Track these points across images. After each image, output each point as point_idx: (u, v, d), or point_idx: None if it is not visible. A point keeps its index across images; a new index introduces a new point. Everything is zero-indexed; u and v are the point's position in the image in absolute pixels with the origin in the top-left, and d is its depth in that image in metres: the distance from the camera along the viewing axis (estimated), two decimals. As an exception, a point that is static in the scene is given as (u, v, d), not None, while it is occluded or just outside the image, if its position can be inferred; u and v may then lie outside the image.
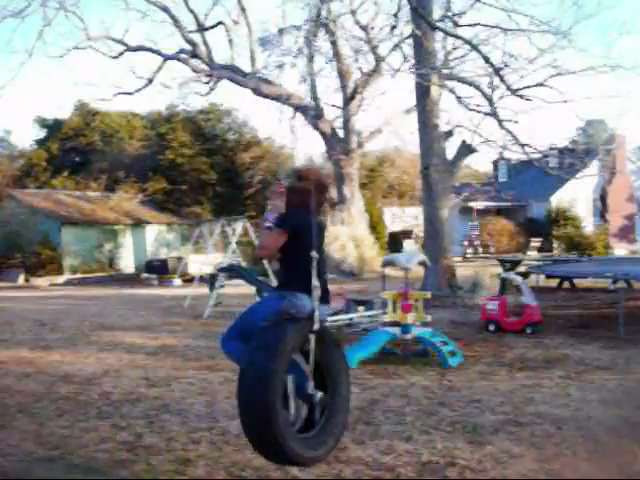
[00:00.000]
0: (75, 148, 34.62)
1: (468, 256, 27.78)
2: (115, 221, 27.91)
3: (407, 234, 28.82)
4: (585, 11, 30.73)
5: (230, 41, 22.38)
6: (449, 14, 13.39)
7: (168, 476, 3.85)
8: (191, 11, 21.80)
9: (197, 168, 32.49)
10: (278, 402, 3.26)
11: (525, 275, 12.35)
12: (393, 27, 17.44)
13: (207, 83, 22.49)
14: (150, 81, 22.37)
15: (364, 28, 19.98)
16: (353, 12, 20.02)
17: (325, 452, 3.56)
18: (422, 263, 8.88)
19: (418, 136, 14.20)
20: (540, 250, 27.86)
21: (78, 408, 5.44)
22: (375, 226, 25.46)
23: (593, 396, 5.49)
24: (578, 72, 13.12)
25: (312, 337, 3.50)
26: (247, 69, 22.30)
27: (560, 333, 8.89)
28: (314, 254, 3.44)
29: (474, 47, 12.95)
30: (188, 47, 22.21)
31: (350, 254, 21.17)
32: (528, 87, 13.25)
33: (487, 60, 12.81)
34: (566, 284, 15.00)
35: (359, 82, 21.93)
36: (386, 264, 8.65)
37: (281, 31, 21.58)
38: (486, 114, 13.48)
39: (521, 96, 13.01)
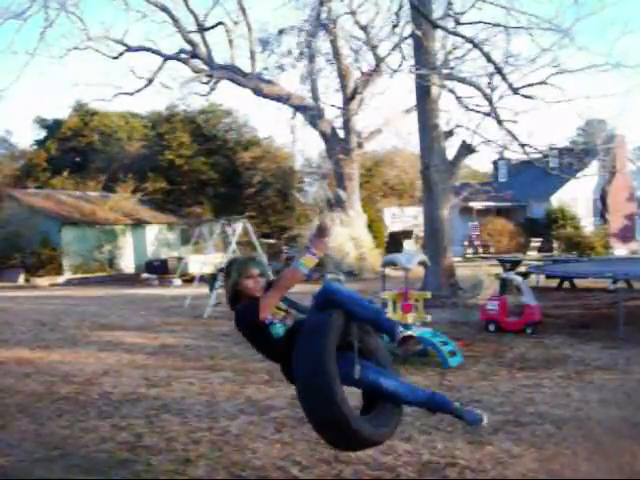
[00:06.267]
0: (75, 148, 34.58)
1: (468, 256, 27.78)
2: (115, 221, 27.88)
3: (407, 234, 28.79)
4: (586, 9, 30.78)
5: (230, 41, 22.36)
6: (450, 12, 13.36)
7: (168, 476, 3.85)
8: (191, 11, 21.78)
9: (197, 168, 32.48)
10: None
11: (525, 275, 12.37)
12: (394, 25, 17.42)
13: (207, 83, 22.49)
14: (150, 81, 22.36)
15: (364, 28, 19.98)
16: (353, 12, 20.02)
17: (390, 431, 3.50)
18: (422, 263, 8.89)
19: (418, 136, 14.19)
20: (540, 250, 27.85)
21: (78, 408, 5.44)
22: (371, 225, 25.37)
23: (593, 396, 5.48)
24: (580, 70, 13.06)
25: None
26: (247, 69, 22.29)
27: (560, 333, 8.89)
28: None
29: (476, 45, 12.92)
30: (188, 47, 22.19)
31: (349, 254, 21.15)
32: (530, 85, 13.22)
33: (489, 58, 12.79)
34: (566, 284, 15.00)
35: (359, 82, 21.91)
36: (386, 264, 8.65)
37: (281, 32, 21.58)
38: (486, 114, 13.47)
39: (523, 95, 12.98)
